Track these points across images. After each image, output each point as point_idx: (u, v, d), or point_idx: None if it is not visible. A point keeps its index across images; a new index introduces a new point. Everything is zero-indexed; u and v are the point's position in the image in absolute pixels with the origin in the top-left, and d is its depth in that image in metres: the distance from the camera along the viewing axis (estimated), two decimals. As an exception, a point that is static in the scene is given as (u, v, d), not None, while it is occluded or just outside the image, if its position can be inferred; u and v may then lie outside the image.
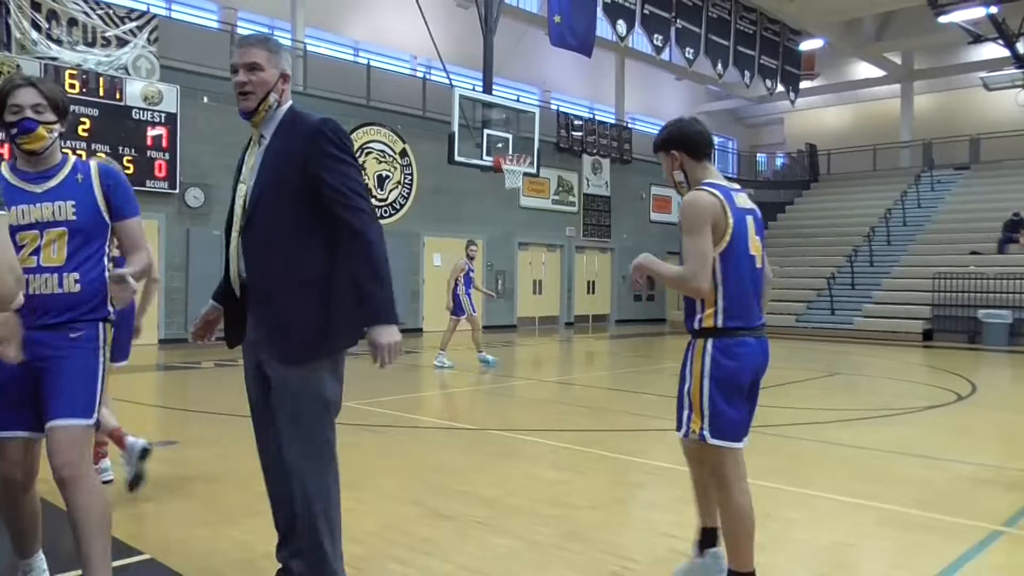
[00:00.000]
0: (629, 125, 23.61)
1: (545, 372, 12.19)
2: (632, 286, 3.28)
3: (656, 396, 9.49)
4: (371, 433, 6.42)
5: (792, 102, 23.43)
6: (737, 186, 3.02)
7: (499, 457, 5.68)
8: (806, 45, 23.11)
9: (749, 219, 2.89)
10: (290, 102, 2.77)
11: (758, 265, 2.91)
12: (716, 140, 29.03)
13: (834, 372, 12.21)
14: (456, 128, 13.41)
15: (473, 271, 11.95)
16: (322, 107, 15.56)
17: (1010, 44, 19.86)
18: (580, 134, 21.18)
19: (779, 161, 29.57)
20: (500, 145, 14.29)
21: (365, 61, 17.84)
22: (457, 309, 11.58)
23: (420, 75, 19.21)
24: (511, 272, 19.90)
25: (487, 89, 14.29)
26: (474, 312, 11.74)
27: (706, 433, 2.84)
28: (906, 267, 19.83)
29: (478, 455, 5.74)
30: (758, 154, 29.71)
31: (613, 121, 23.21)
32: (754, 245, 2.87)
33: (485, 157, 14.02)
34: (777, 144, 30.51)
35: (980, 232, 19.56)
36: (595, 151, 21.49)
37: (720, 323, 2.80)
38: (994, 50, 21.09)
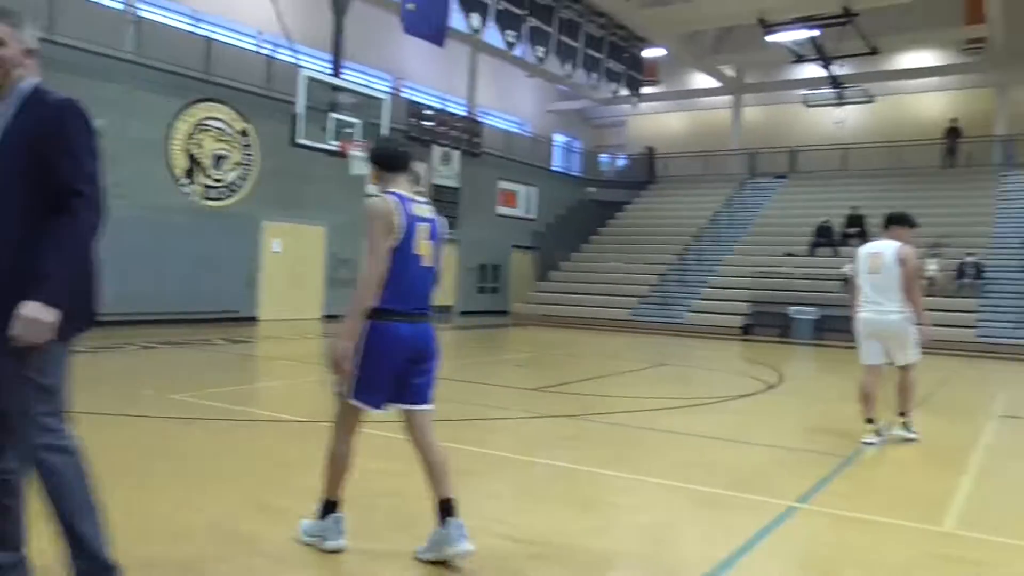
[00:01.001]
0: (480, 118, 23.84)
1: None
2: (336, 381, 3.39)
3: (496, 386, 9.72)
4: (200, 426, 6.19)
5: (634, 105, 24.40)
6: (422, 199, 3.51)
7: (337, 446, 5.64)
8: (650, 53, 24.22)
9: (423, 225, 3.38)
10: (36, 79, 2.63)
11: (425, 264, 3.40)
12: (563, 139, 29.93)
13: (663, 363, 12.94)
14: (302, 110, 13.06)
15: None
16: (156, 78, 14.67)
17: (827, 66, 21.73)
18: (431, 124, 21.17)
19: (621, 162, 30.83)
20: (348, 130, 14.05)
21: (205, 32, 16.97)
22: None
23: (265, 52, 18.49)
24: (356, 261, 19.62)
25: (336, 72, 14.00)
26: None
27: (349, 392, 3.34)
28: (729, 266, 21.30)
29: (310, 447, 5.67)
30: (602, 154, 30.83)
31: (465, 113, 23.36)
32: (423, 247, 3.37)
33: (331, 141, 13.74)
34: (619, 145, 31.78)
35: (794, 236, 21.28)
36: (445, 142, 21.56)
37: (381, 306, 3.28)
38: (815, 70, 22.95)
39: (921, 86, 26.74)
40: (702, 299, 20.23)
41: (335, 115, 13.92)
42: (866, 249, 6.66)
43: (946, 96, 26.50)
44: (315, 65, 15.85)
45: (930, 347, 16.53)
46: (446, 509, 3.34)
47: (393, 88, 22.17)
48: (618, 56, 22.33)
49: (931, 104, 26.64)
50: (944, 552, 3.84)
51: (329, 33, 13.80)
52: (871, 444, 6.23)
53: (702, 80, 28.88)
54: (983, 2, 20.81)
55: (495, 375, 10.87)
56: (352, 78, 16.59)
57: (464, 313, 22.49)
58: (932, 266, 18.27)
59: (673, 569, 3.55)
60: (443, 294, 22.13)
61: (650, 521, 4.20)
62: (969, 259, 18.23)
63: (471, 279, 22.57)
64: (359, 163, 14.12)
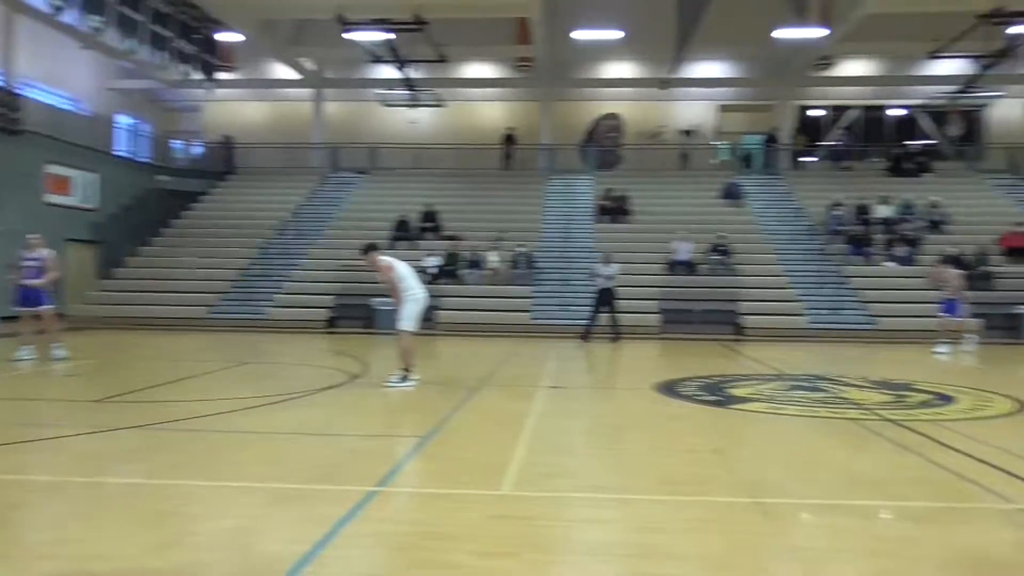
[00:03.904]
0: (20, 91, 20.46)
1: None
2: None
3: (45, 401, 8.49)
4: None
5: (209, 91, 23.07)
6: None
7: None
8: (225, 37, 23.09)
9: None
10: None
11: None
12: (129, 121, 27.11)
13: (245, 361, 12.48)
14: None
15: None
16: None
17: (402, 68, 22.89)
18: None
19: (196, 149, 28.99)
20: None
21: None
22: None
23: None
24: None
25: None
26: None
27: None
28: (313, 259, 21.35)
29: None
30: (175, 140, 28.66)
31: (1, 84, 19.85)
32: None
33: None
34: (195, 132, 29.86)
35: (375, 229, 22.06)
36: (-30, 115, 18.09)
37: None
38: (392, 72, 23.98)
39: (484, 95, 29.68)
40: (286, 293, 19.97)
41: None
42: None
43: (504, 106, 29.73)
44: None
45: (493, 329, 18.35)
46: None
47: None
48: (189, 37, 20.91)
49: (492, 112, 29.66)
50: (501, 513, 4.27)
51: None
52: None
53: (283, 71, 28.44)
54: (529, 25, 23.73)
55: (43, 388, 9.46)
56: None
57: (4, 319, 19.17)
58: (494, 258, 20.40)
59: (255, 570, 3.41)
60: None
61: (230, 526, 3.99)
62: (520, 250, 20.63)
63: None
64: None
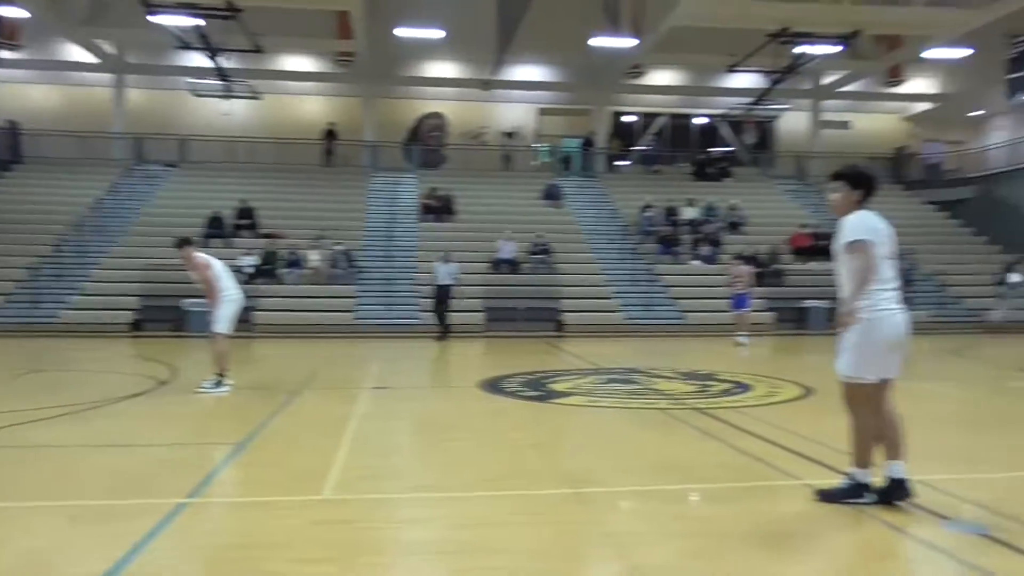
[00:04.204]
0: None
1: None
2: None
3: None
4: None
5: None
6: None
7: None
8: (8, 12, 20.89)
9: None
10: None
11: None
12: None
13: (37, 369, 11.38)
14: None
15: None
16: None
17: (214, 57, 21.70)
18: None
19: (-26, 135, 26.03)
20: None
21: None
22: None
23: None
24: None
25: None
26: None
27: None
28: (116, 258, 19.80)
29: None
30: (-53, 124, 25.58)
31: None
32: None
33: None
34: (-28, 116, 26.78)
35: (186, 226, 20.78)
36: None
37: None
38: (204, 60, 22.64)
39: (303, 89, 28.76)
40: (83, 295, 18.38)
41: None
42: None
43: (324, 101, 28.98)
44: None
45: (315, 331, 17.88)
46: None
47: None
48: (-35, 9, 18.76)
49: (312, 107, 28.83)
50: (323, 518, 4.14)
51: None
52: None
53: (78, 53, 26.11)
54: (350, 20, 23.28)
55: None
56: None
57: None
58: (315, 256, 19.85)
59: (41, 603, 3.10)
60: None
61: (22, 549, 3.62)
62: (339, 248, 20.14)
63: None
64: None
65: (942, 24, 22.32)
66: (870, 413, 4.29)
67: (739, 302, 15.75)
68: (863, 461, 4.32)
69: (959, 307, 20.82)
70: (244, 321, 15.04)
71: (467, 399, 8.75)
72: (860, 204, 4.39)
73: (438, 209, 23.21)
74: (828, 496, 4.34)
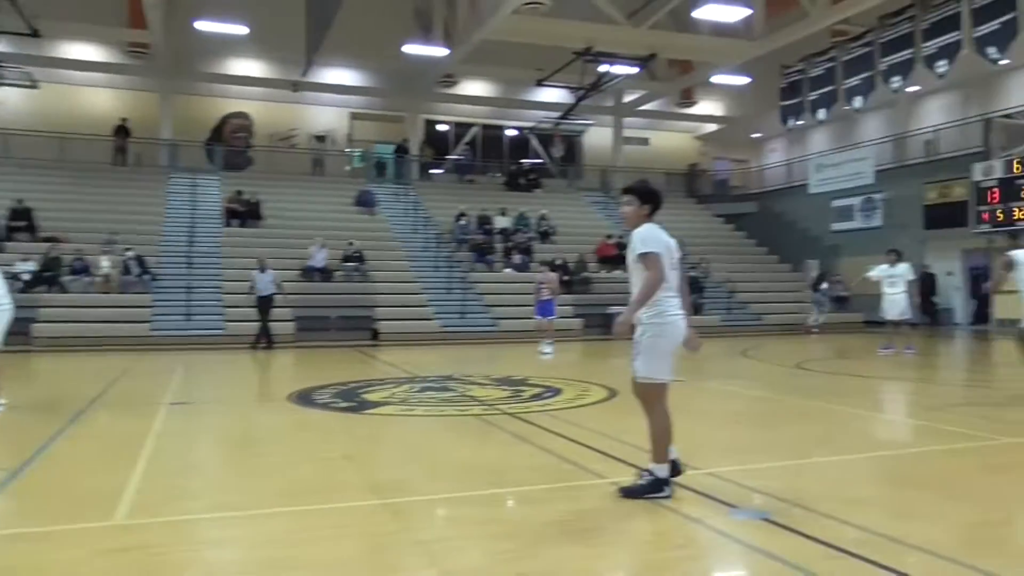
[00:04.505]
0: None
1: None
2: None
3: None
4: None
5: None
6: None
7: None
8: None
9: None
10: None
11: None
12: None
13: None
14: None
15: None
16: None
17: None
18: None
19: None
20: None
21: None
22: None
23: None
24: None
25: None
26: None
27: None
28: None
29: None
30: None
31: None
32: None
33: None
34: None
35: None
36: None
37: None
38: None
39: (90, 80, 26.42)
40: None
41: None
42: None
43: (115, 94, 26.85)
44: None
45: (106, 343, 16.54)
46: None
47: None
48: None
49: (101, 100, 26.64)
50: (114, 546, 3.81)
51: None
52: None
53: None
54: (143, 8, 21.71)
55: None
56: None
57: None
58: (105, 263, 18.32)
59: None
60: None
61: None
62: (131, 254, 18.70)
63: None
64: None
65: (726, 53, 24.37)
66: (664, 411, 4.61)
67: (545, 309, 15.82)
68: (662, 457, 4.58)
69: (745, 311, 22.75)
70: (21, 334, 13.62)
71: (275, 412, 8.41)
72: (648, 217, 4.73)
73: (244, 213, 22.20)
74: (630, 493, 4.55)
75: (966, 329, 22.11)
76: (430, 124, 30.89)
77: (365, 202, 24.58)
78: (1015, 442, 6.38)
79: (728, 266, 24.94)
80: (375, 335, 18.71)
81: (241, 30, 24.20)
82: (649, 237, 4.56)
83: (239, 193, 22.58)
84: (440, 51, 24.90)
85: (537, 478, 5.19)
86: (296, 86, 27.12)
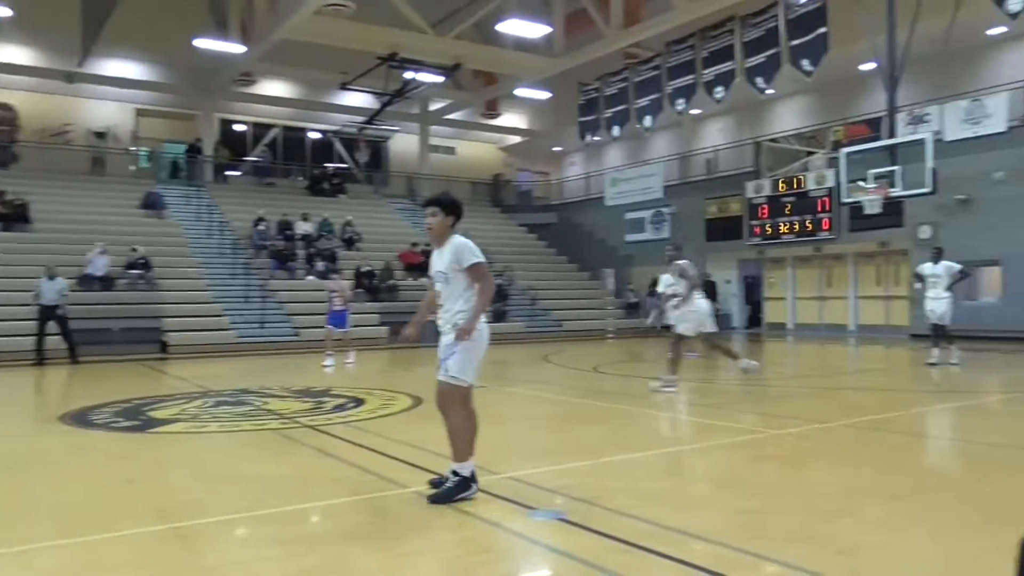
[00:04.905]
0: None
1: None
2: None
3: None
4: None
5: None
6: None
7: None
8: None
9: None
10: None
11: None
12: None
13: None
14: None
15: None
16: None
17: None
18: None
19: None
20: None
21: None
22: None
23: None
24: None
25: None
26: None
27: None
28: None
29: None
30: None
31: None
32: None
33: None
34: None
35: None
36: None
37: None
38: None
39: None
40: None
41: None
42: None
43: None
44: None
45: None
46: None
47: None
48: None
49: None
50: None
51: None
52: None
53: None
54: None
55: None
56: None
57: None
58: None
59: None
60: None
61: None
62: None
63: None
64: None
65: (527, 67, 25.19)
66: (464, 414, 4.73)
67: (337, 319, 15.03)
68: (464, 456, 4.67)
69: (547, 318, 23.56)
70: None
71: (45, 434, 7.60)
72: (452, 228, 4.84)
73: (8, 216, 19.96)
74: (440, 498, 4.59)
75: (742, 333, 24.24)
76: (226, 124, 29.39)
77: (153, 204, 22.93)
78: (780, 433, 7.04)
79: (531, 274, 25.73)
80: (164, 348, 17.46)
81: (3, 12, 21.77)
82: (474, 248, 4.74)
83: (2, 193, 20.28)
84: (236, 48, 23.73)
85: (338, 491, 5.05)
86: (71, 77, 24.82)
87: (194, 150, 27.05)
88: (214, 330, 18.37)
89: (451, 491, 4.61)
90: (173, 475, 5.94)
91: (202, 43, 23.53)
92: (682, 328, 10.07)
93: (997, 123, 17.98)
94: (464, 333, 4.61)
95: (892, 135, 16.66)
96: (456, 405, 4.71)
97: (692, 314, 10.04)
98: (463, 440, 4.68)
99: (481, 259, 4.73)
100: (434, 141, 32.37)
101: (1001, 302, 18.05)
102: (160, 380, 12.89)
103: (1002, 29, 20.05)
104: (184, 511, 4.62)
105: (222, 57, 24.67)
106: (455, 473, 4.67)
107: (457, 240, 4.76)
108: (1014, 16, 15.74)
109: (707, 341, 10.46)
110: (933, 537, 4.03)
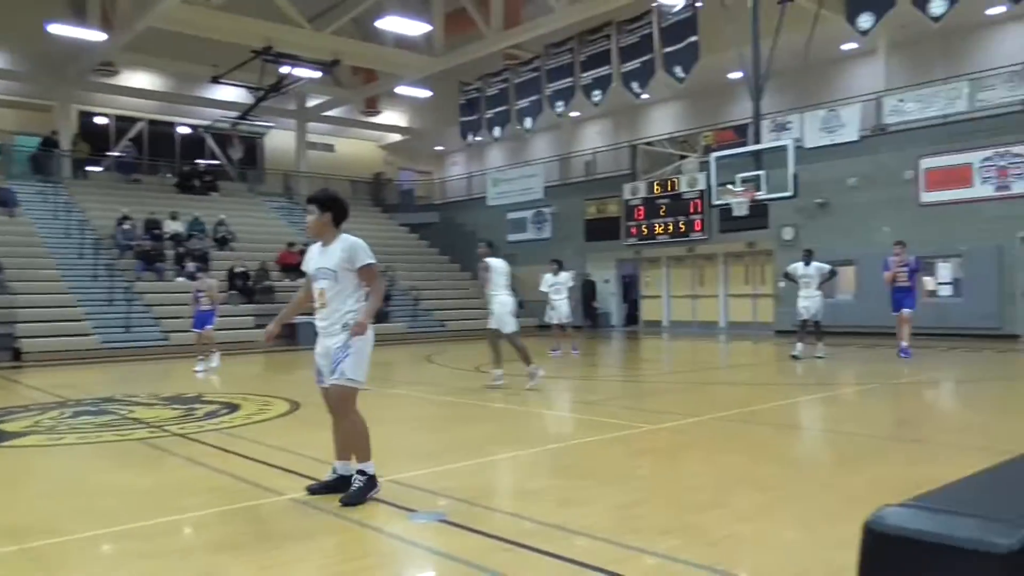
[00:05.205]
0: None
1: None
2: None
3: None
4: None
5: None
6: None
7: None
8: None
9: None
10: None
11: None
12: None
13: None
14: None
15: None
16: None
17: None
18: None
19: None
20: None
21: None
22: None
23: None
24: None
25: None
26: None
27: None
28: None
29: None
30: None
31: None
32: None
33: None
34: None
35: None
36: None
37: None
38: None
39: None
40: None
41: None
42: None
43: None
44: None
45: None
46: None
47: None
48: None
49: None
50: None
51: None
52: None
53: None
54: None
55: None
56: None
57: None
58: None
59: None
60: None
61: None
62: None
63: None
64: None
65: (407, 65, 24.97)
66: (358, 413, 4.74)
67: (203, 320, 14.29)
68: (367, 455, 4.69)
69: (430, 318, 23.42)
70: None
71: None
72: (335, 227, 4.77)
73: None
74: (351, 500, 4.55)
75: (620, 330, 24.90)
76: (86, 116, 27.64)
77: (3, 202, 21.30)
78: (652, 428, 7.27)
79: (413, 274, 25.53)
80: (17, 355, 16.24)
81: None
82: (367, 247, 4.72)
83: None
84: (96, 35, 22.32)
85: (211, 502, 4.82)
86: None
87: (50, 143, 25.31)
88: (74, 335, 17.23)
89: (361, 491, 4.60)
90: (25, 492, 5.52)
91: (57, 29, 21.99)
92: (491, 324, 10.48)
93: (850, 132, 19.26)
94: (360, 328, 4.56)
95: (758, 141, 17.54)
96: (352, 406, 4.70)
97: (494, 312, 10.39)
98: (364, 440, 4.69)
99: (374, 260, 4.73)
100: (312, 138, 31.60)
101: (855, 299, 19.28)
102: (12, 390, 11.97)
103: (853, 45, 21.47)
104: (38, 530, 4.29)
105: (80, 45, 23.14)
106: (362, 472, 4.66)
107: (349, 239, 4.71)
108: (864, 33, 16.93)
109: (508, 340, 10.52)
110: (798, 524, 4.24)
